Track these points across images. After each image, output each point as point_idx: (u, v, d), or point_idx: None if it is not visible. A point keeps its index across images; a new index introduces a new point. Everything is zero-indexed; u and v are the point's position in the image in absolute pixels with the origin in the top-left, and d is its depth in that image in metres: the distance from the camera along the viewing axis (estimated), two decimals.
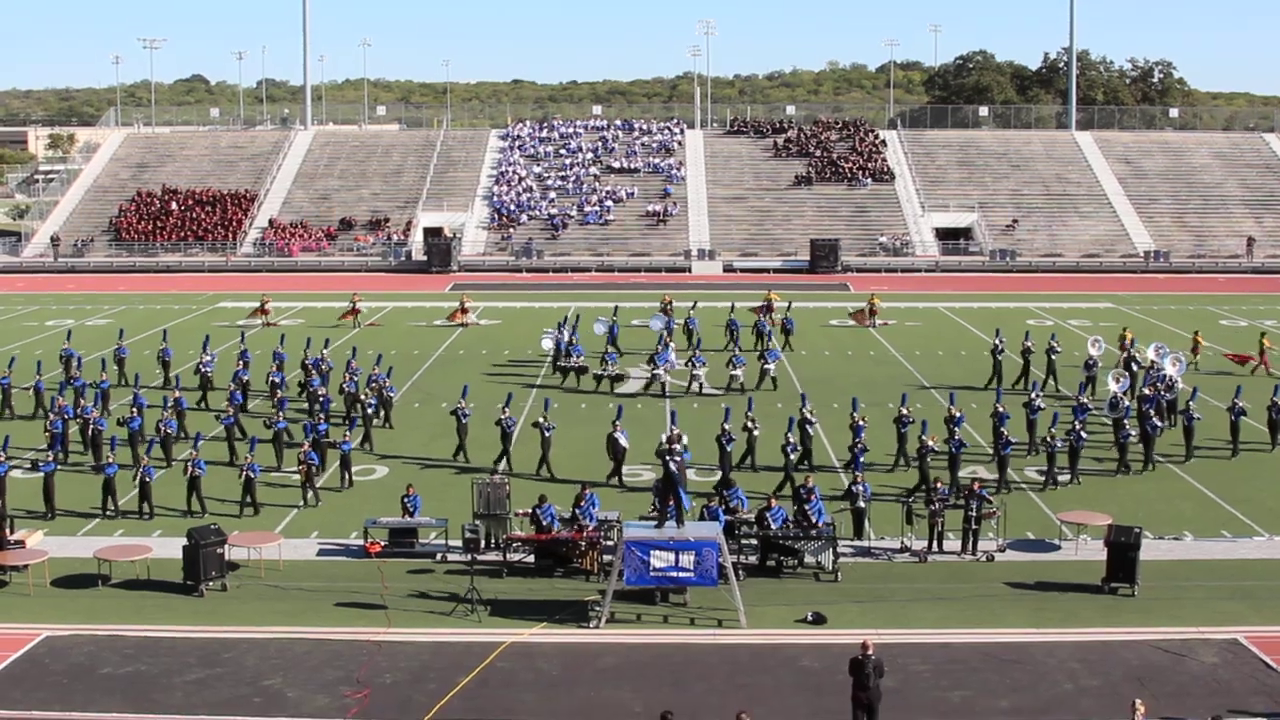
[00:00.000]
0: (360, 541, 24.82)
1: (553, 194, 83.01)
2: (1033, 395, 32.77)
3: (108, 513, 26.73)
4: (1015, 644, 20.09)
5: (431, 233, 79.05)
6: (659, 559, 20.83)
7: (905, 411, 30.70)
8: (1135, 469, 30.10)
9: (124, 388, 37.65)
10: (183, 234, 78.83)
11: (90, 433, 31.15)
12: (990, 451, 30.09)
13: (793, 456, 28.45)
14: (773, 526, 23.32)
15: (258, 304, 53.22)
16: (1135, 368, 37.71)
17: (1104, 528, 23.27)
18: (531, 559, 23.61)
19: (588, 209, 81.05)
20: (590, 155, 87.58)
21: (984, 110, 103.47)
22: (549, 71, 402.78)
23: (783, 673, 19.14)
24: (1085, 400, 33.04)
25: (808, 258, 73.84)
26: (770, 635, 20.46)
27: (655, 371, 38.66)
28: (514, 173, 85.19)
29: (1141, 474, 29.93)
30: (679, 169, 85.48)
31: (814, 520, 23.57)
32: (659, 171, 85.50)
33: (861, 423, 29.64)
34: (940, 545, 24.36)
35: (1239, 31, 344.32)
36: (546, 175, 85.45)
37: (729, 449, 28.71)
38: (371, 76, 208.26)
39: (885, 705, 17.05)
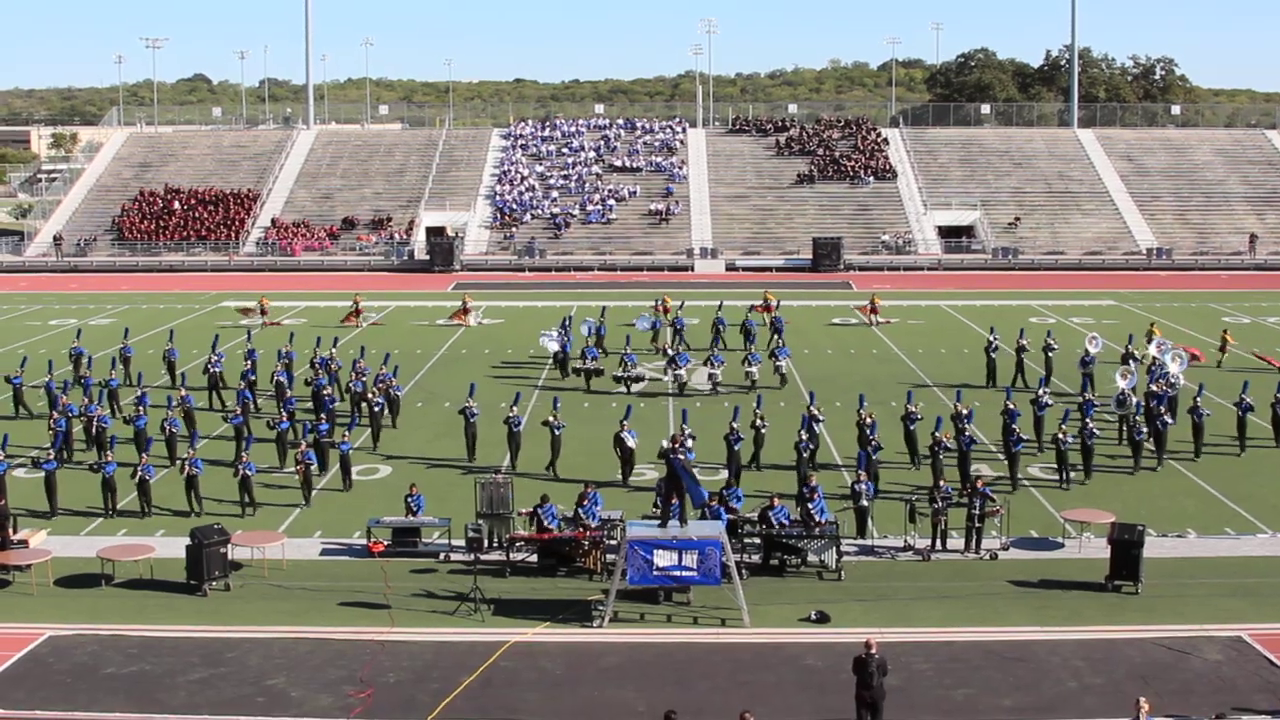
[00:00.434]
0: (363, 541, 24.81)
1: (555, 193, 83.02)
2: (1040, 392, 32.56)
3: (109, 512, 26.74)
4: (1019, 642, 20.05)
5: (434, 232, 79.03)
6: (662, 558, 20.81)
7: (913, 409, 30.59)
8: (1148, 464, 29.99)
9: (130, 387, 37.68)
10: (185, 233, 78.88)
11: (94, 430, 31.17)
12: (997, 449, 29.97)
13: (805, 454, 28.25)
14: (775, 525, 23.29)
15: (250, 303, 53.12)
16: (1133, 364, 37.56)
17: (1107, 525, 23.25)
18: (535, 558, 23.59)
19: (590, 208, 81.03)
20: (592, 154, 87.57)
21: (986, 108, 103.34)
22: (551, 71, 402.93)
23: (786, 671, 19.12)
24: (1090, 397, 32.90)
25: (810, 256, 73.83)
26: (773, 634, 20.44)
27: (677, 372, 38.85)
28: (516, 172, 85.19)
29: (1152, 471, 29.82)
30: (681, 168, 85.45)
31: (817, 519, 23.56)
32: (661, 170, 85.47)
33: (870, 420, 29.50)
34: (944, 543, 24.34)
35: (1241, 28, 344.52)
36: (549, 174, 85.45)
37: (737, 448, 28.65)
38: (374, 76, 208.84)
39: (889, 704, 17.04)
